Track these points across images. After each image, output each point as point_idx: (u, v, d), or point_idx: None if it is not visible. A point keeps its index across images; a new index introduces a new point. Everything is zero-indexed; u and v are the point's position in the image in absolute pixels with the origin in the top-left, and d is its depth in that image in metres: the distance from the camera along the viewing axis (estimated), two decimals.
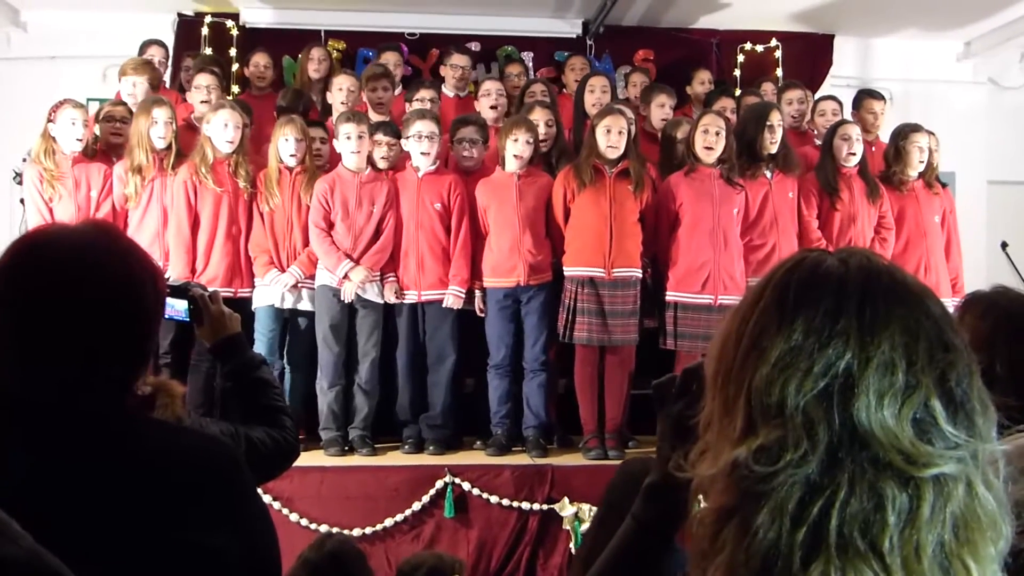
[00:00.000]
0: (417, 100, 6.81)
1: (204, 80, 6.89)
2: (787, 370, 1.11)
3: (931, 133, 6.78)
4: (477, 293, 6.15)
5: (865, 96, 7.66)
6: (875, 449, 1.08)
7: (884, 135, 7.43)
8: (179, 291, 2.60)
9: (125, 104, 6.72)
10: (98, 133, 6.44)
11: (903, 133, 6.70)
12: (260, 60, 7.68)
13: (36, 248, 1.73)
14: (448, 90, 7.54)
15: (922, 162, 6.68)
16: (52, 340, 1.66)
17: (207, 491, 1.68)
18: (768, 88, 7.92)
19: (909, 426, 1.09)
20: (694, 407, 1.33)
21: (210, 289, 2.67)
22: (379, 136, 6.21)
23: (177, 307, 2.59)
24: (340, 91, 6.94)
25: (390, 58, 7.70)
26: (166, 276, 5.33)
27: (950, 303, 5.96)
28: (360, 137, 6.04)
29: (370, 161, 6.17)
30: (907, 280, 1.18)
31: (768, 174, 6.36)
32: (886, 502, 1.07)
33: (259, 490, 1.98)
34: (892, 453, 1.08)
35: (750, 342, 1.16)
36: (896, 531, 1.07)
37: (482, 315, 6.16)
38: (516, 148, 6.02)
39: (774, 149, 6.32)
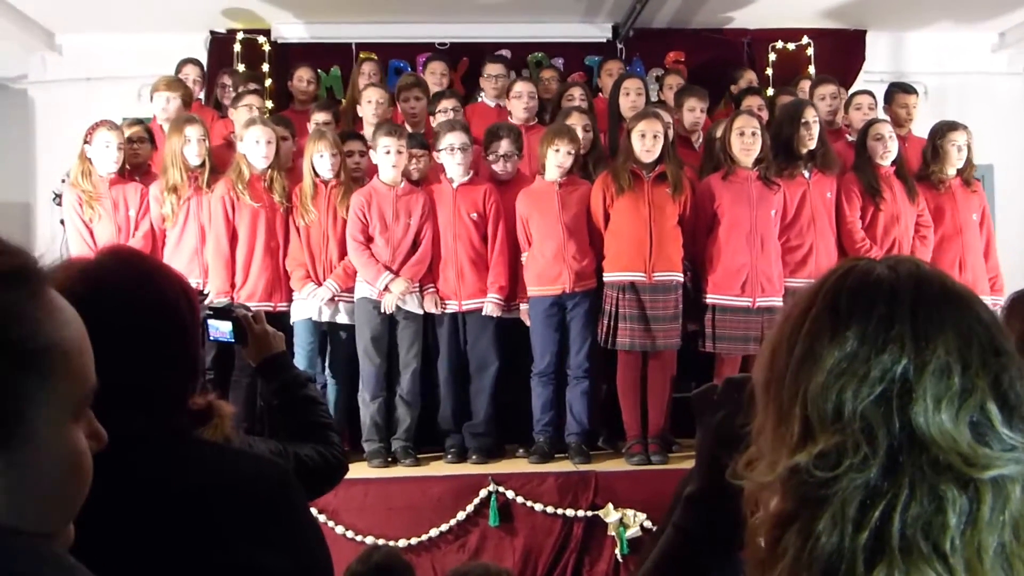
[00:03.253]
0: (440, 112, 6.81)
1: (255, 100, 6.96)
2: (843, 376, 1.12)
3: (966, 129, 6.71)
4: (522, 306, 6.15)
5: (896, 90, 7.59)
6: (934, 452, 1.09)
7: (918, 128, 7.38)
8: (223, 313, 2.62)
9: (142, 123, 6.80)
10: None
11: (941, 131, 6.62)
12: (304, 75, 7.73)
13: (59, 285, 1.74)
14: (489, 100, 7.58)
15: (960, 160, 6.61)
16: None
17: (258, 512, 1.69)
18: (805, 85, 7.87)
19: (967, 429, 1.09)
20: (736, 416, 1.35)
21: (253, 309, 2.68)
22: (409, 148, 6.20)
23: (222, 329, 2.61)
24: (370, 104, 6.95)
25: (436, 68, 7.74)
26: (206, 293, 5.42)
27: (989, 301, 5.92)
28: (399, 152, 6.05)
29: (404, 173, 6.19)
30: (956, 286, 1.19)
31: (806, 173, 6.31)
32: (947, 504, 1.08)
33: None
34: (952, 456, 1.08)
35: (803, 350, 1.16)
36: (957, 533, 1.08)
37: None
38: (558, 159, 6.01)
39: (812, 146, 6.27)
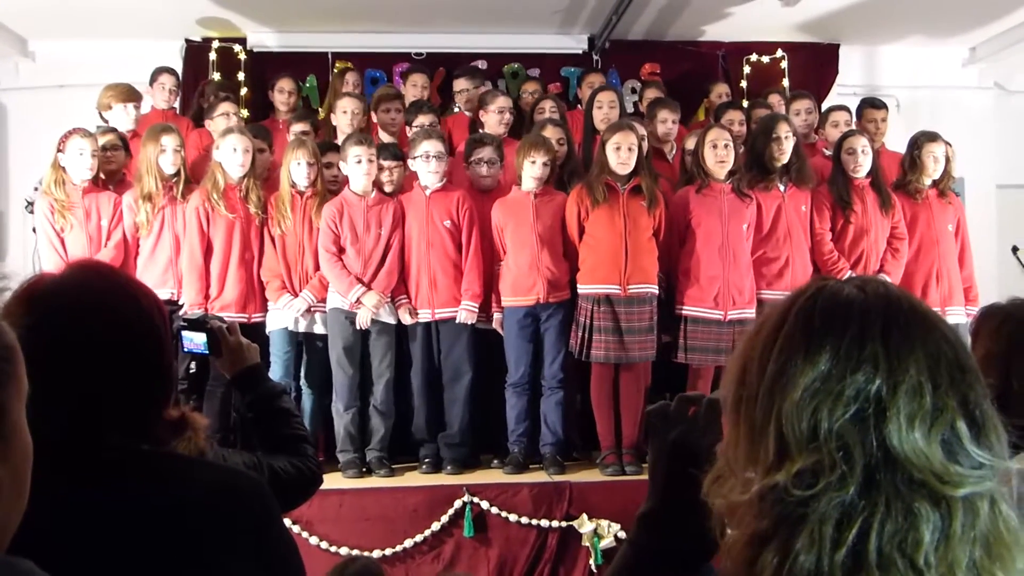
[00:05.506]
0: (418, 126, 6.77)
1: (231, 107, 6.94)
2: (818, 395, 1.13)
3: (948, 144, 6.77)
4: (496, 315, 6.15)
5: (865, 106, 7.65)
6: (908, 470, 1.10)
7: (891, 142, 7.44)
8: (197, 324, 2.60)
9: (115, 131, 6.74)
10: None
11: (918, 142, 6.69)
12: (285, 86, 7.69)
13: (31, 301, 1.71)
14: (465, 112, 7.61)
15: (936, 171, 6.67)
16: (66, 385, 1.65)
17: (233, 525, 1.68)
18: (776, 99, 7.91)
19: (938, 448, 1.11)
20: (692, 433, 1.38)
21: (227, 321, 2.67)
22: (382, 160, 6.20)
23: (196, 340, 2.59)
24: (344, 114, 6.93)
25: (418, 80, 7.72)
26: (180, 303, 5.39)
27: (964, 311, 5.96)
28: (370, 160, 6.03)
29: (376, 184, 6.17)
30: (923, 306, 1.21)
31: (781, 187, 6.36)
32: (920, 521, 1.10)
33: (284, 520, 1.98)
34: (926, 474, 1.10)
35: (776, 368, 1.18)
36: (931, 549, 1.09)
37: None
38: (533, 170, 6.03)
39: (784, 160, 6.31)
